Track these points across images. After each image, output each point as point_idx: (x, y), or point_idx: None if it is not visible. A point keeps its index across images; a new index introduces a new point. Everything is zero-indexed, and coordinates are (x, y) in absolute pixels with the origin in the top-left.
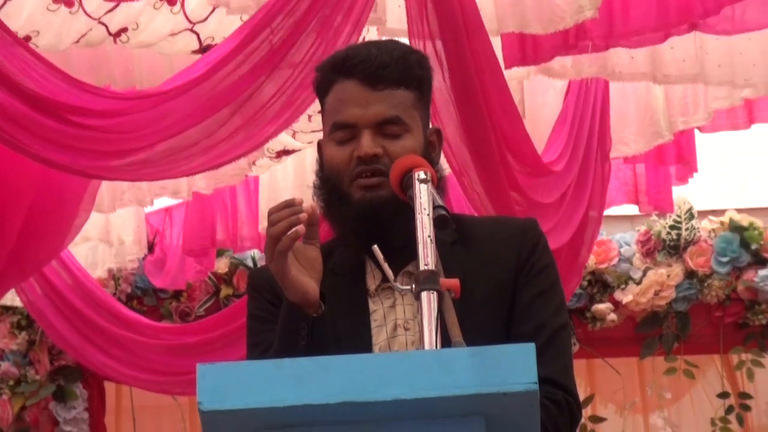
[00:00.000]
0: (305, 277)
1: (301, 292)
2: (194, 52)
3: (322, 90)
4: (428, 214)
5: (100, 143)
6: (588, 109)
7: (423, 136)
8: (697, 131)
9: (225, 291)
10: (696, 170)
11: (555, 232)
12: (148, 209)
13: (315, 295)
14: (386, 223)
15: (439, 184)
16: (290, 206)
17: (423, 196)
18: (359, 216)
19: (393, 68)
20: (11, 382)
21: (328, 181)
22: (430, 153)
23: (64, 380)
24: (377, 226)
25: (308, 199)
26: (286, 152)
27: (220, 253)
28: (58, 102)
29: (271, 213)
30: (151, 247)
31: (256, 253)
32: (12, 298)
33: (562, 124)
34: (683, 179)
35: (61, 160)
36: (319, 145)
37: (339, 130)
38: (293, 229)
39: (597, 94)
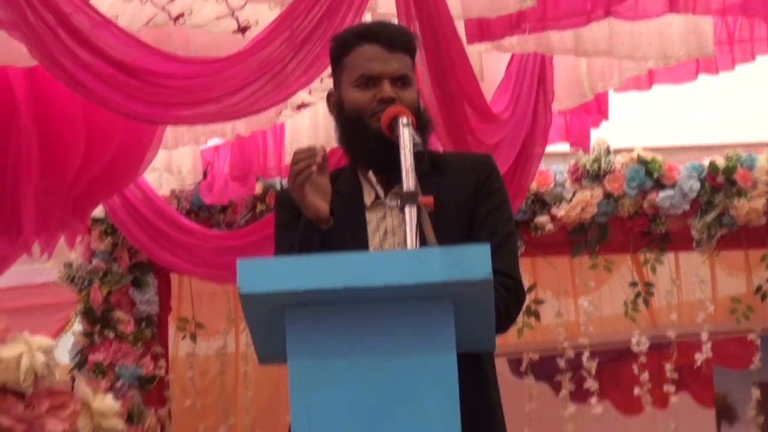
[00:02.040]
0: (318, 200)
1: (314, 212)
2: (234, 32)
3: (342, 52)
4: (409, 150)
5: (171, 98)
6: (527, 74)
7: (416, 90)
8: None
9: (260, 207)
10: (607, 119)
11: (499, 162)
12: (202, 147)
13: (326, 213)
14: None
15: (427, 126)
16: (310, 150)
17: (405, 136)
18: (376, 139)
19: (403, 39)
20: (100, 274)
21: (350, 117)
22: (419, 103)
23: (140, 272)
24: (385, 149)
25: (319, 141)
26: (304, 105)
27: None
28: (140, 67)
29: (296, 154)
30: (204, 175)
31: (281, 180)
32: (100, 212)
33: (506, 84)
34: (597, 124)
35: (141, 111)
36: (329, 95)
37: (364, 79)
38: (309, 168)
39: (536, 63)
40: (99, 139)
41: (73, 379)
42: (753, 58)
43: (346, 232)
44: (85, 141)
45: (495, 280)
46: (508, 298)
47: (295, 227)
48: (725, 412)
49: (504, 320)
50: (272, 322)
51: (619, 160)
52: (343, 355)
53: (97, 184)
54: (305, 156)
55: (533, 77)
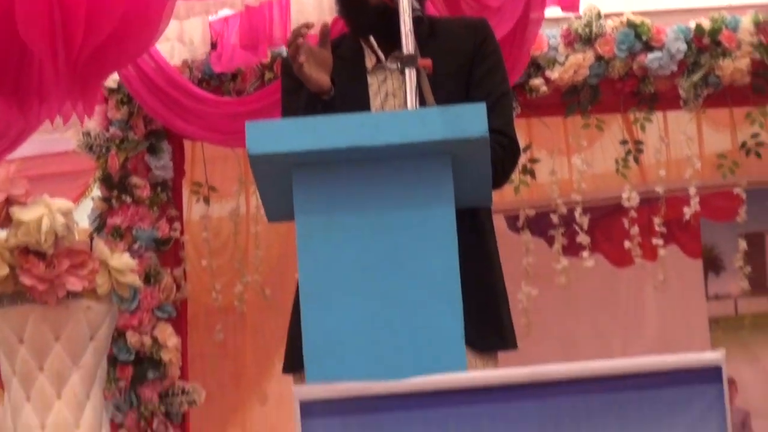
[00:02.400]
0: (319, 73)
1: (316, 85)
2: None
3: None
4: (408, 15)
5: None
6: None
7: None
8: None
9: (268, 75)
10: None
11: (498, 28)
12: (212, 17)
13: (327, 85)
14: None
15: None
16: (298, 30)
17: (404, 2)
18: (375, 10)
19: None
20: (117, 142)
21: None
22: None
23: (155, 139)
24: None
25: (323, 10)
26: None
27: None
28: None
29: (291, 33)
30: (214, 45)
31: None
32: (116, 82)
33: None
34: None
35: None
36: None
37: None
38: (297, 44)
39: None
40: (101, 8)
41: (91, 239)
42: None
43: (348, 95)
44: (86, 9)
45: (491, 138)
46: (503, 154)
47: (299, 91)
48: (712, 263)
49: (500, 176)
50: (280, 182)
51: (609, 25)
52: (347, 212)
53: (106, 54)
54: (295, 35)
55: None
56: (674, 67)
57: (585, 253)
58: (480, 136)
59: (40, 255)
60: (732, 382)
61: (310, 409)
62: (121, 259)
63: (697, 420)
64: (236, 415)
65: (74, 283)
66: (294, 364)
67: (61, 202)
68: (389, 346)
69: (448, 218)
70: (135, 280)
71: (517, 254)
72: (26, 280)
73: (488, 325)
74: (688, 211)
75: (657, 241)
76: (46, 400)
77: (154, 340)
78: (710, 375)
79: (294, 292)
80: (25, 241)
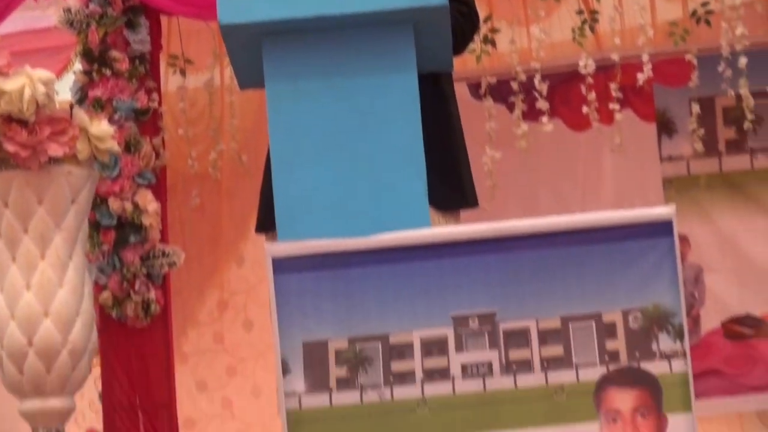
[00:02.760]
0: None
1: None
2: None
3: None
4: None
5: None
6: None
7: None
8: None
9: None
10: None
11: None
12: None
13: None
14: None
15: None
16: None
17: None
18: None
19: None
20: (97, 17)
21: None
22: None
23: (132, 14)
24: None
25: None
26: None
27: None
28: None
29: None
30: None
31: None
32: None
33: None
34: None
35: None
36: None
37: None
38: None
39: None
40: None
41: (71, 108)
42: None
43: None
44: None
45: (451, 7)
46: (463, 22)
47: None
48: (665, 126)
49: (460, 43)
50: (250, 51)
51: None
52: (314, 79)
53: None
54: None
55: None
56: None
57: (544, 118)
58: (440, 4)
59: (23, 123)
60: (685, 239)
61: (282, 265)
62: (100, 127)
63: (651, 271)
64: (214, 277)
65: (55, 149)
66: (266, 223)
67: (42, 73)
68: (356, 205)
69: (410, 84)
70: (114, 146)
71: (480, 120)
72: (9, 147)
73: (450, 186)
74: (641, 77)
75: (613, 105)
76: (30, 261)
77: (135, 205)
78: (662, 228)
79: (266, 157)
80: (8, 110)
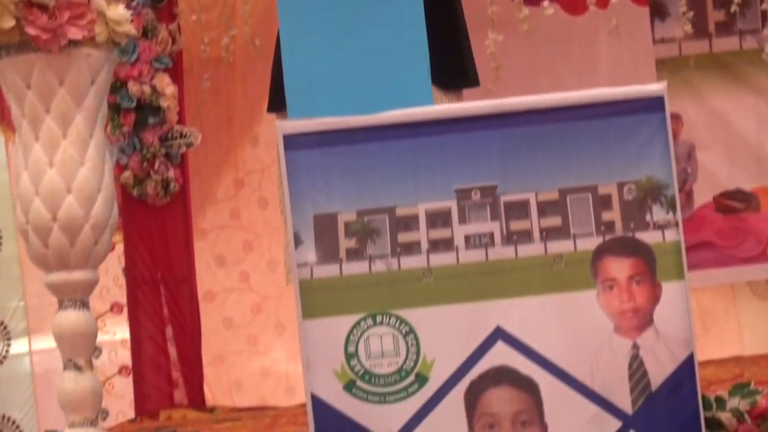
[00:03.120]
0: None
1: None
2: None
3: None
4: None
5: None
6: None
7: None
8: None
9: None
10: None
11: None
12: None
13: None
14: None
15: None
16: None
17: None
18: None
19: None
20: None
21: None
22: None
23: None
24: None
25: None
26: None
27: None
28: None
29: None
30: None
31: None
32: None
33: None
34: None
35: None
36: None
37: None
38: None
39: None
40: None
41: None
42: None
43: None
44: None
45: None
46: None
47: None
48: (657, 9)
49: None
50: None
51: None
52: None
53: None
54: None
55: None
56: None
57: (545, 3)
58: None
59: (43, 7)
60: (677, 117)
61: (292, 142)
62: (117, 11)
63: (644, 145)
64: (230, 156)
65: (75, 33)
66: (277, 103)
67: None
68: (363, 84)
69: None
70: (130, 29)
71: (483, 4)
72: (31, 31)
73: (452, 65)
74: None
75: None
76: (53, 140)
77: (153, 88)
78: (654, 104)
79: (276, 40)
80: None
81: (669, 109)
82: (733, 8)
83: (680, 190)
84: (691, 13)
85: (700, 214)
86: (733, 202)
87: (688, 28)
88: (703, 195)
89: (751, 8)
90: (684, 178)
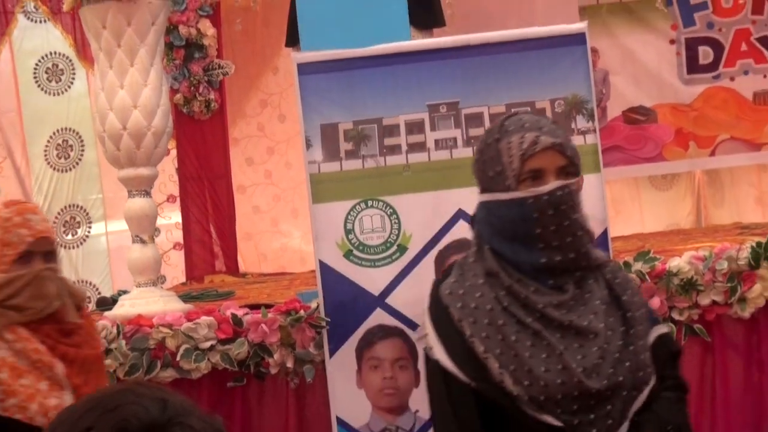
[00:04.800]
0: None
1: None
2: None
3: None
4: None
5: None
6: None
7: None
8: None
9: None
10: None
11: None
12: None
13: None
14: None
15: None
16: None
17: None
18: None
19: None
20: None
21: None
22: None
23: None
24: None
25: None
26: None
27: None
28: None
29: None
30: None
31: None
32: None
33: None
34: None
35: None
36: None
37: None
38: None
39: None
40: None
41: None
42: None
43: None
44: None
45: None
46: None
47: None
48: None
49: None
50: None
51: None
52: None
53: None
54: None
55: None
56: None
57: None
58: None
59: None
60: (595, 51)
61: (304, 68)
62: None
63: (570, 69)
64: (256, 82)
65: None
66: (293, 39)
67: None
68: (357, 24)
69: None
70: None
71: None
72: None
73: (424, 9)
74: None
75: None
76: (123, 67)
77: (198, 31)
78: (577, 39)
79: None
80: None
81: (589, 43)
82: None
83: (597, 106)
84: None
85: (612, 125)
86: (637, 116)
87: None
88: (614, 110)
89: None
90: (600, 97)
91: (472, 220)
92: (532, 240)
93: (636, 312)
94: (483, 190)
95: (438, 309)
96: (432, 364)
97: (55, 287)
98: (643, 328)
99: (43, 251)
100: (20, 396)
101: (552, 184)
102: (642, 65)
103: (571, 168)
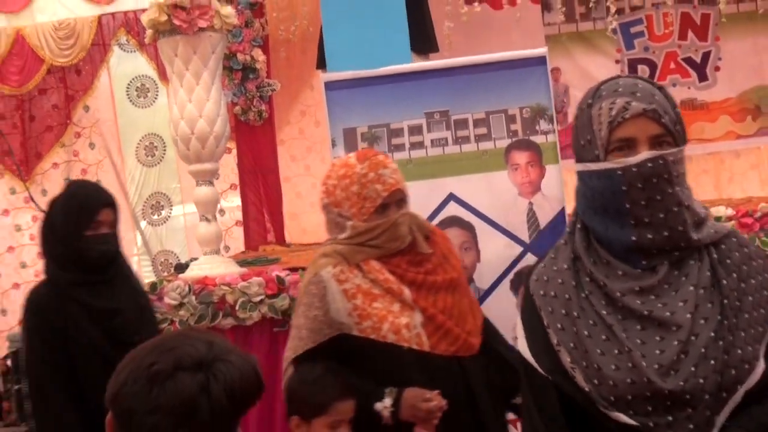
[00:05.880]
0: None
1: None
2: None
3: None
4: None
5: None
6: None
7: None
8: None
9: None
10: None
11: None
12: None
13: None
14: None
15: None
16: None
17: None
18: None
19: None
20: None
21: None
22: None
23: None
24: None
25: None
26: None
27: None
28: None
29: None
30: None
31: None
32: None
33: None
34: None
35: None
36: None
37: None
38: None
39: None
40: None
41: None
42: None
43: None
44: None
45: None
46: None
47: None
48: (545, 5)
49: None
50: None
51: None
52: None
53: None
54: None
55: None
56: None
57: (476, 3)
58: None
59: (183, 8)
60: (557, 69)
61: (331, 85)
62: (227, 10)
63: (535, 84)
64: (297, 96)
65: (202, 23)
66: (322, 62)
67: None
68: (369, 50)
69: None
70: (234, 21)
71: (441, 3)
72: (177, 22)
73: (422, 38)
74: None
75: None
76: (190, 86)
77: (252, 57)
78: (540, 60)
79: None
80: (174, 0)
81: (550, 64)
82: (591, 4)
83: (559, 112)
84: (564, 8)
85: (571, 125)
86: None
87: (562, 17)
88: (572, 115)
89: (600, 3)
90: (562, 105)
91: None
92: (623, 215)
93: (744, 297)
94: (578, 159)
95: (526, 297)
96: (519, 355)
97: (406, 228)
98: (754, 316)
99: (396, 200)
100: (373, 318)
101: (642, 155)
102: (594, 80)
103: (667, 137)
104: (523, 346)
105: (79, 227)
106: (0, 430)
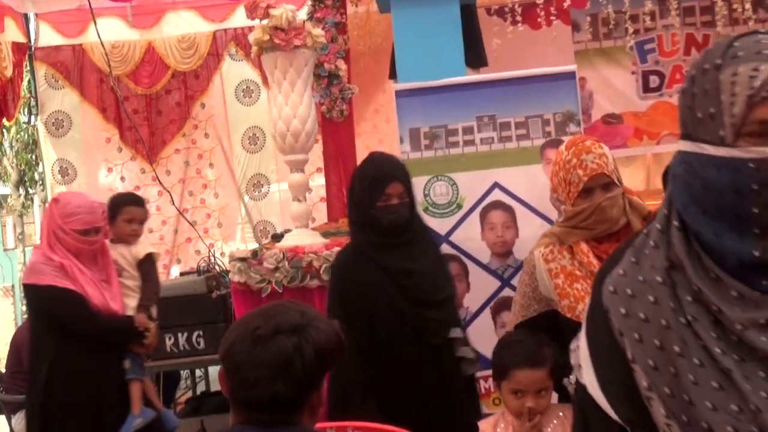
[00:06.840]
0: None
1: None
2: None
3: None
4: None
5: None
6: None
7: None
8: None
9: None
10: None
11: None
12: None
13: None
14: None
15: None
16: None
17: None
18: None
19: None
20: None
21: None
22: None
23: None
24: None
25: None
26: None
27: None
28: None
29: None
30: None
31: None
32: None
33: None
34: None
35: None
36: None
37: None
38: None
39: None
40: None
41: (304, 23)
42: None
43: None
44: None
45: None
46: None
47: None
48: (575, 26)
49: None
50: None
51: None
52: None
53: None
54: None
55: None
56: None
57: (519, 24)
58: None
59: (282, 30)
60: (584, 79)
61: (400, 93)
62: (317, 31)
63: (565, 94)
64: (371, 99)
65: (297, 41)
66: (393, 73)
67: (290, 6)
68: (432, 64)
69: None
70: (323, 39)
71: (490, 23)
72: (277, 40)
73: (474, 54)
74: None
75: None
76: (286, 92)
77: (336, 66)
78: (570, 75)
79: (392, 42)
80: (276, 23)
81: (577, 74)
82: (612, 25)
83: (584, 113)
84: (591, 29)
85: (594, 125)
86: (610, 119)
87: (589, 36)
88: (596, 116)
89: (620, 25)
90: (587, 107)
91: (664, 177)
92: (745, 222)
93: None
94: (686, 136)
95: (596, 312)
96: (579, 388)
97: (616, 210)
98: None
99: (601, 184)
100: (570, 298)
101: None
102: (614, 87)
103: None
104: (590, 380)
105: (371, 199)
106: None
